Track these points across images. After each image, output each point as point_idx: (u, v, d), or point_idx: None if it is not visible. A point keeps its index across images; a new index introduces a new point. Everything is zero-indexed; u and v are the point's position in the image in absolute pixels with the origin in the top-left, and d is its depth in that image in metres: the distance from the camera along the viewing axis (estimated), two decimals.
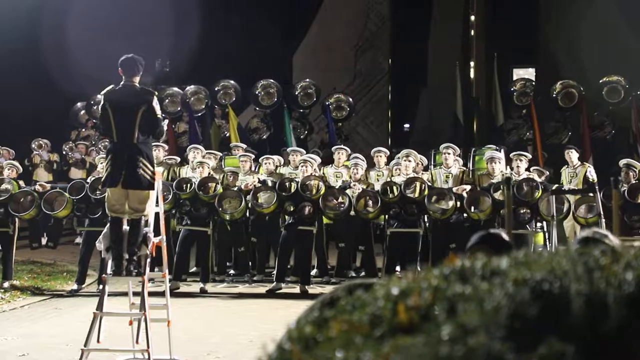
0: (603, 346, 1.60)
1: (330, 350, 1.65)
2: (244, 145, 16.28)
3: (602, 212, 11.65)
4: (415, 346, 1.59)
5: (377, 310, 1.73)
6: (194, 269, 14.23)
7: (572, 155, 14.83)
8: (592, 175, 14.50)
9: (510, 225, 5.93)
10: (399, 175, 13.79)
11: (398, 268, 13.17)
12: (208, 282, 13.18)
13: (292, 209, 13.00)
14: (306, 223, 13.03)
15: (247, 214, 13.55)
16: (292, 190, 13.07)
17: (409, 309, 1.71)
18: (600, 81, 19.76)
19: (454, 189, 13.17)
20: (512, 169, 13.62)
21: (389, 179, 13.72)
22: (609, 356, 1.60)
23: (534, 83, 21.24)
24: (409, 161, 13.72)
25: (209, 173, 13.72)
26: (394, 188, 13.12)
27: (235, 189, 13.39)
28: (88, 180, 13.31)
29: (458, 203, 12.94)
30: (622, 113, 19.62)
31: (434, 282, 1.79)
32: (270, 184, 13.39)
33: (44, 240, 18.04)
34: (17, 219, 13.18)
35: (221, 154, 15.51)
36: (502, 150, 14.84)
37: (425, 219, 13.38)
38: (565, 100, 19.74)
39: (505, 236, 3.79)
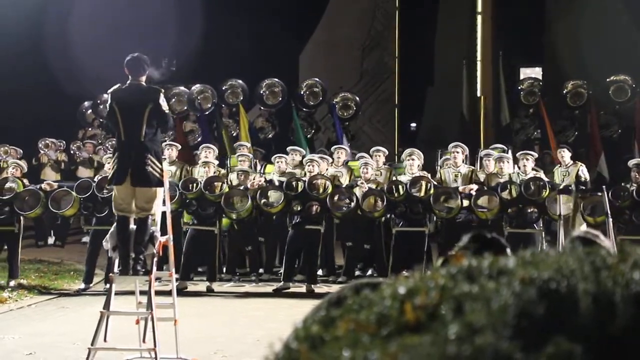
0: (611, 346, 1.60)
1: (337, 349, 1.65)
2: (248, 144, 16.24)
3: (609, 212, 11.64)
4: (422, 345, 1.59)
5: (384, 309, 1.73)
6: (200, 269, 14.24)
7: (565, 154, 14.85)
8: (585, 174, 14.52)
9: None
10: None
11: (405, 267, 13.16)
12: (215, 281, 13.19)
13: (299, 209, 13.01)
14: (313, 222, 13.04)
15: (254, 213, 13.56)
16: (300, 189, 13.07)
17: (416, 308, 1.71)
18: (607, 80, 19.75)
19: (460, 189, 13.15)
20: (519, 168, 13.62)
21: (394, 178, 13.70)
22: (616, 356, 1.60)
23: (541, 82, 21.22)
24: (413, 160, 13.71)
25: (215, 172, 13.74)
26: (400, 187, 13.11)
27: (242, 188, 13.40)
28: (95, 179, 13.35)
29: (464, 202, 12.93)
30: (629, 112, 19.61)
31: (441, 281, 1.79)
32: (277, 183, 13.40)
33: (50, 240, 18.08)
34: (21, 218, 13.21)
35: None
36: (510, 151, 14.83)
37: (434, 219, 13.40)
38: (574, 99, 19.74)
39: (499, 239, 3.68)
